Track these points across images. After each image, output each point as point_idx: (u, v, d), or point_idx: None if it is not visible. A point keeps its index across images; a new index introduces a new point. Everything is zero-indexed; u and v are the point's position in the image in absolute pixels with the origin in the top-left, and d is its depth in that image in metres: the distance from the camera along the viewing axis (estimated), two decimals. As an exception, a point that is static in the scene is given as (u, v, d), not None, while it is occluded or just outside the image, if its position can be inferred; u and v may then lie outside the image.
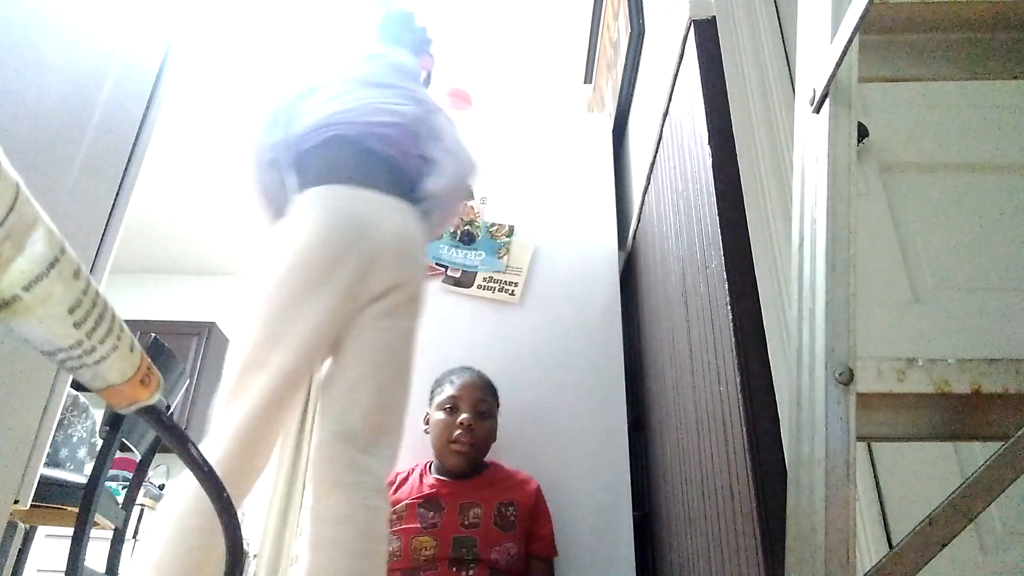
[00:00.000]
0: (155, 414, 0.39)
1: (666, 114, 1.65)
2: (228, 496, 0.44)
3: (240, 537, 0.45)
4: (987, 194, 1.33)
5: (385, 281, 1.28)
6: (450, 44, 3.16)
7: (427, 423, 1.66)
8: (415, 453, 1.68)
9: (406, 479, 1.62)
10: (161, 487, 3.85)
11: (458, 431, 1.55)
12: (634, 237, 2.09)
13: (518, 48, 3.25)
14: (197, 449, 0.42)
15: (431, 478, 1.59)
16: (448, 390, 1.62)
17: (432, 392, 1.69)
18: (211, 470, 0.43)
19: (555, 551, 1.60)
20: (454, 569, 1.45)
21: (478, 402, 1.60)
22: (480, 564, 1.46)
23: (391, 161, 1.40)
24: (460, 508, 1.52)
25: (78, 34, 1.25)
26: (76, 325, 0.31)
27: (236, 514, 0.45)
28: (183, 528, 1.13)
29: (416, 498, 1.53)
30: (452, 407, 1.59)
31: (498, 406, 1.69)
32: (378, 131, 1.41)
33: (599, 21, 2.87)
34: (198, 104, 3.64)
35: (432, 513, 1.52)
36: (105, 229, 1.34)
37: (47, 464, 1.99)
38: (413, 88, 1.56)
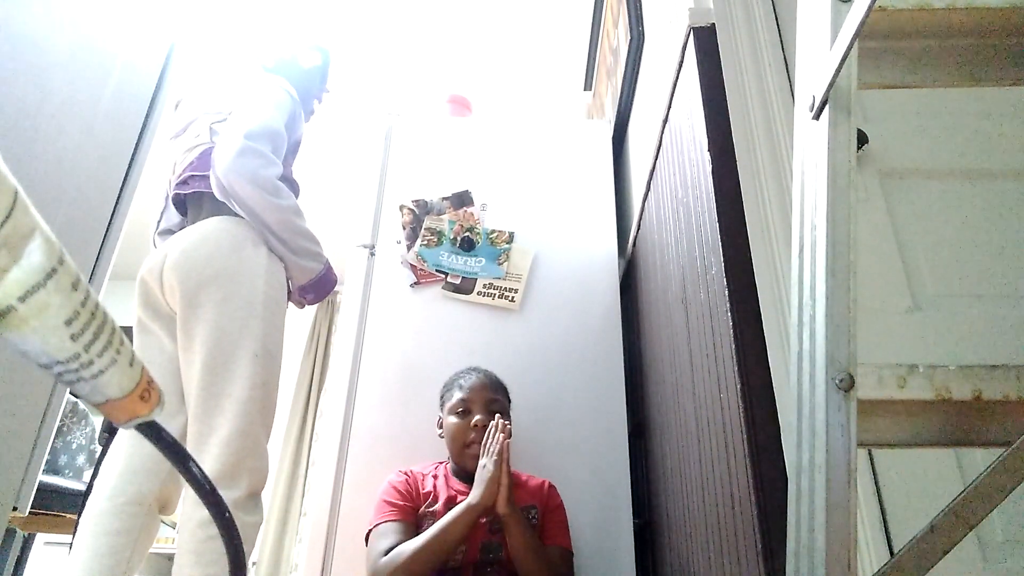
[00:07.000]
0: (155, 430, 0.38)
1: (666, 121, 1.65)
2: (231, 515, 0.43)
3: (243, 557, 0.45)
4: (987, 200, 1.33)
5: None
6: (450, 51, 3.17)
7: (441, 427, 1.65)
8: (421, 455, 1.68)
9: (432, 481, 1.57)
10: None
11: (472, 433, 1.54)
12: (634, 243, 2.09)
13: (518, 55, 3.26)
14: (198, 466, 0.41)
15: (455, 482, 1.56)
16: (458, 394, 1.61)
17: (442, 397, 1.68)
18: (212, 488, 0.42)
19: (567, 541, 1.54)
20: (479, 571, 1.44)
21: (489, 402, 1.59)
22: (502, 565, 1.45)
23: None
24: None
25: (80, 36, 1.25)
26: (73, 337, 0.31)
27: (239, 533, 0.44)
28: (107, 530, 1.18)
29: (445, 505, 1.49)
30: (464, 410, 1.58)
31: (510, 403, 1.67)
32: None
33: (599, 28, 2.88)
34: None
35: None
36: (105, 235, 1.34)
37: (46, 471, 1.98)
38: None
